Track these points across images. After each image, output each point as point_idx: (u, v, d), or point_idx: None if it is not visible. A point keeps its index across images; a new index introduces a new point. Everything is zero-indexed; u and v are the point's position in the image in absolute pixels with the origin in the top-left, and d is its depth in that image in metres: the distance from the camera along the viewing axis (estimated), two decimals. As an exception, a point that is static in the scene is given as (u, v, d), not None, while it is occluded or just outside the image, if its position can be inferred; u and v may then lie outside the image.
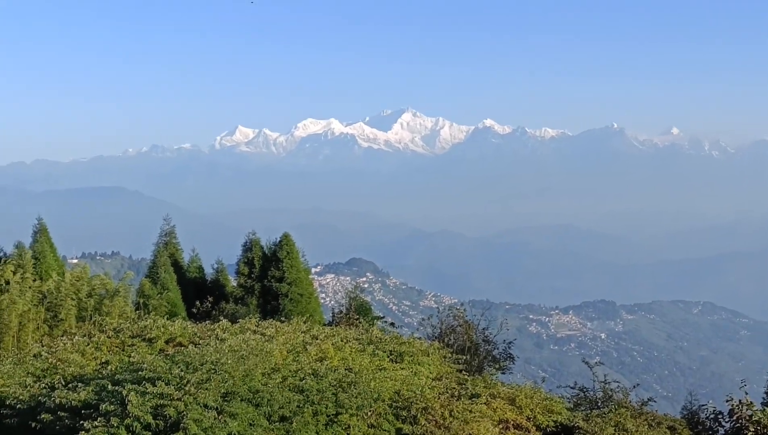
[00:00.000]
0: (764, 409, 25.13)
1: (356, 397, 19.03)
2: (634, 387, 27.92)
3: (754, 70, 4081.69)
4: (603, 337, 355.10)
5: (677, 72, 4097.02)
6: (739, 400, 24.51)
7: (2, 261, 33.15)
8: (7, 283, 30.56)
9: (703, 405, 27.91)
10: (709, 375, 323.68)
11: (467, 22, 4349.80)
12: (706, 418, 27.14)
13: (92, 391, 18.26)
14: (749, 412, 24.32)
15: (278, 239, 43.19)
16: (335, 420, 18.79)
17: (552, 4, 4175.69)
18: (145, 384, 17.81)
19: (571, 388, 27.16)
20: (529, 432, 22.42)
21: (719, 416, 26.35)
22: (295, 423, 18.05)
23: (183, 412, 17.07)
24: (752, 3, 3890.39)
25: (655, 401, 27.56)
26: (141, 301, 36.54)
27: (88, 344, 23.37)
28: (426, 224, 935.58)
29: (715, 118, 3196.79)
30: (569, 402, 26.06)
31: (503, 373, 30.42)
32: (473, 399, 21.78)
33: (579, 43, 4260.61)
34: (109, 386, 18.17)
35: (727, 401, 24.70)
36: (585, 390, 26.87)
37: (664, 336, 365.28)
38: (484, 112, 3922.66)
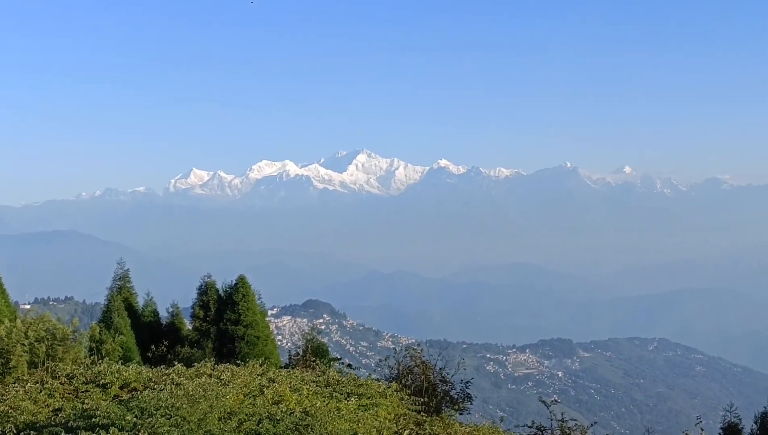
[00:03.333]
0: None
1: (313, 440, 18.90)
2: (592, 425, 27.93)
3: (704, 109, 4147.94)
4: (560, 375, 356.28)
5: (628, 111, 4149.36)
6: (695, 436, 24.64)
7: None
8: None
9: (660, 442, 27.99)
10: (665, 411, 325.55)
11: (421, 63, 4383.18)
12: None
13: (45, 438, 18.00)
14: (706, 448, 24.41)
15: (234, 281, 42.96)
16: (292, 463, 18.62)
17: (505, 43, 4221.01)
18: (98, 431, 17.55)
19: (529, 427, 27.12)
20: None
21: (676, 453, 26.42)
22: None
23: (137, 458, 16.85)
24: (705, 43, 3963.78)
25: (612, 439, 27.61)
26: (94, 346, 36.09)
27: (41, 391, 23.01)
28: (383, 265, 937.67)
29: (666, 156, 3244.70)
30: (527, 441, 26.02)
31: (461, 414, 30.27)
32: (431, 440, 21.71)
33: (530, 82, 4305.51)
34: (63, 434, 17.90)
35: (683, 438, 24.82)
36: (543, 429, 26.85)
37: (620, 373, 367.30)
38: (439, 153, 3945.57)
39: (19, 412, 20.59)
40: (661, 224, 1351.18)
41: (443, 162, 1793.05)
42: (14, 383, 25.53)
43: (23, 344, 30.76)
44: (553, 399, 27.47)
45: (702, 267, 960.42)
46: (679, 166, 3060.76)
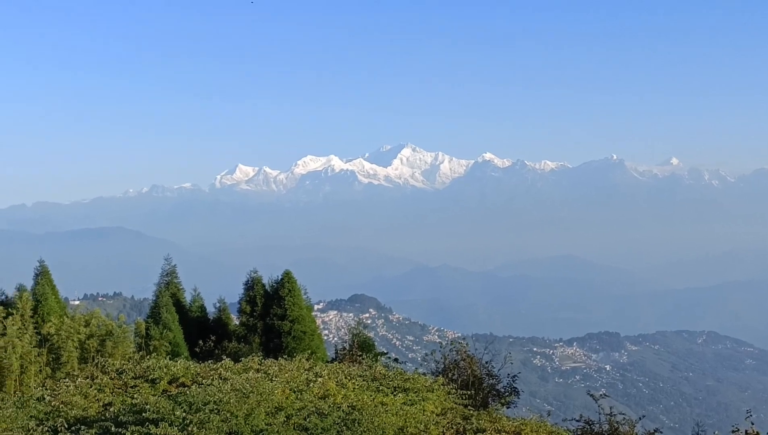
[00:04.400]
0: (771, 439, 24.95)
1: (360, 435, 18.95)
2: (641, 419, 27.71)
3: (753, 100, 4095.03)
4: (608, 368, 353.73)
5: (674, 102, 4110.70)
6: (746, 431, 24.34)
7: (3, 304, 33.12)
8: (5, 326, 30.53)
9: (709, 436, 27.71)
10: (715, 405, 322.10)
11: (466, 57, 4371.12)
12: (713, 448, 26.92)
13: (95, 433, 18.18)
14: (756, 442, 24.11)
15: (280, 277, 43.10)
16: (340, 458, 18.68)
17: (550, 36, 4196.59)
18: (148, 425, 17.73)
19: (577, 420, 26.97)
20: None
21: (726, 447, 26.13)
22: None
23: (187, 453, 16.99)
24: (752, 33, 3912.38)
25: (661, 432, 27.36)
26: (143, 341, 36.44)
27: (91, 386, 23.26)
28: (428, 259, 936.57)
29: (714, 147, 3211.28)
30: (575, 435, 25.90)
31: (508, 407, 30.18)
32: (478, 434, 21.66)
33: (575, 74, 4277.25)
34: (113, 428, 18.09)
35: (733, 432, 24.50)
36: (591, 423, 26.69)
37: (669, 366, 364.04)
38: (484, 146, 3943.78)
39: (70, 407, 20.85)
40: (709, 216, 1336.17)
41: (488, 155, 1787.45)
42: (65, 378, 25.84)
43: (74, 340, 31.18)
44: (601, 393, 27.33)
45: (751, 259, 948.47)
46: (727, 157, 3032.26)
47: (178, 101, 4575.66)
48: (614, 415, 26.38)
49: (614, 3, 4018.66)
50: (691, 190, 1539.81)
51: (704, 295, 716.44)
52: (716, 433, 27.74)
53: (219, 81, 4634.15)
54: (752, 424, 24.48)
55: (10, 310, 32.09)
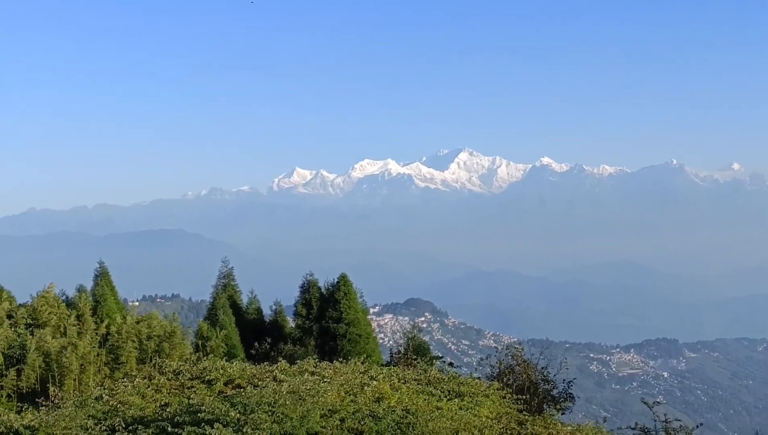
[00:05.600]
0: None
1: (415, 439, 18.93)
2: (698, 426, 27.40)
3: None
4: (666, 375, 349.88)
5: (736, 106, 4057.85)
6: (806, 440, 23.99)
7: (64, 305, 33.62)
8: (66, 326, 30.99)
9: (770, 445, 27.39)
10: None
11: (523, 62, 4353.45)
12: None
13: (152, 433, 18.35)
14: (817, 452, 23.75)
15: (336, 280, 43.24)
16: (394, 461, 18.67)
17: (610, 42, 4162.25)
18: (203, 426, 17.86)
19: (632, 428, 26.75)
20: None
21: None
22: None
23: (241, 454, 17.10)
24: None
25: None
26: (200, 342, 36.75)
27: (149, 386, 23.52)
28: (484, 263, 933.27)
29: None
30: (631, 442, 25.65)
31: (563, 413, 29.99)
32: (533, 439, 21.58)
33: (635, 79, 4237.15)
34: (169, 428, 18.25)
35: (794, 441, 24.16)
36: (647, 430, 26.44)
37: (728, 374, 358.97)
38: (541, 150, 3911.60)
39: (127, 406, 21.09)
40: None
41: (546, 160, 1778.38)
42: (123, 378, 26.17)
43: (133, 341, 31.57)
44: (656, 401, 27.03)
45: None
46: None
47: (237, 106, 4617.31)
48: (670, 422, 26.11)
49: (669, 9, 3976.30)
50: (753, 196, 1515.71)
51: (765, 302, 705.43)
52: (776, 442, 27.38)
53: (277, 87, 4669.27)
54: (813, 433, 24.11)
55: (71, 310, 32.59)
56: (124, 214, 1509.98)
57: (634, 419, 27.91)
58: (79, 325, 30.90)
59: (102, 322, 32.09)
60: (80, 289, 36.16)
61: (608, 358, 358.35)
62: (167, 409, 20.56)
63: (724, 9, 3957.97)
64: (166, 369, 26.31)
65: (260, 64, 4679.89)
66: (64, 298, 35.48)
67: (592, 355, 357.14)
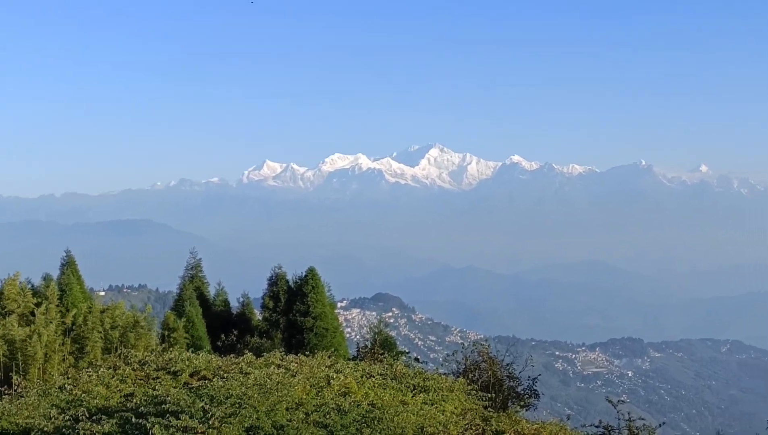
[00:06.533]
0: (793, 450, 24.83)
1: (380, 433, 18.89)
2: (660, 425, 27.66)
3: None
4: (630, 374, 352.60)
5: (705, 109, 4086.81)
6: (768, 440, 24.25)
7: (30, 293, 33.39)
8: (33, 314, 30.79)
9: (731, 445, 27.69)
10: (738, 414, 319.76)
11: (494, 59, 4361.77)
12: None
13: (116, 423, 18.22)
14: (778, 453, 24.02)
15: (304, 273, 43.26)
16: (359, 455, 18.64)
17: (580, 40, 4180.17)
18: (168, 417, 17.75)
19: (596, 426, 26.92)
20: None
21: (747, 456, 26.08)
22: (318, 458, 17.95)
23: (207, 445, 17.02)
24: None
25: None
26: (166, 333, 36.64)
27: (113, 376, 23.36)
28: (453, 260, 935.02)
29: (744, 155, 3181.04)
30: (595, 440, 25.82)
31: (528, 410, 30.16)
32: (498, 436, 21.63)
33: (604, 79, 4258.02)
34: (133, 419, 18.12)
35: (755, 442, 24.43)
36: (610, 428, 26.63)
37: (692, 374, 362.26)
38: (512, 148, 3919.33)
39: (91, 396, 20.94)
40: (737, 225, 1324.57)
41: (516, 158, 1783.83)
42: (88, 368, 26.00)
43: (99, 330, 31.39)
44: (620, 399, 27.21)
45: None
46: (757, 165, 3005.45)
47: (207, 97, 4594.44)
48: (634, 420, 26.30)
49: (643, 7, 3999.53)
50: (719, 198, 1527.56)
51: (731, 304, 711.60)
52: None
53: (247, 77, 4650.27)
54: (774, 434, 24.39)
55: (37, 299, 32.40)
56: (92, 204, 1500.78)
57: (598, 417, 28.08)
58: (45, 313, 30.70)
59: (68, 311, 31.89)
60: (46, 278, 35.94)
61: (574, 356, 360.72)
62: (132, 400, 20.44)
63: (692, 9, 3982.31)
64: (132, 359, 26.14)
65: (231, 54, 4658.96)
66: (30, 286, 35.25)
67: (557, 353, 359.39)
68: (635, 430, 26.09)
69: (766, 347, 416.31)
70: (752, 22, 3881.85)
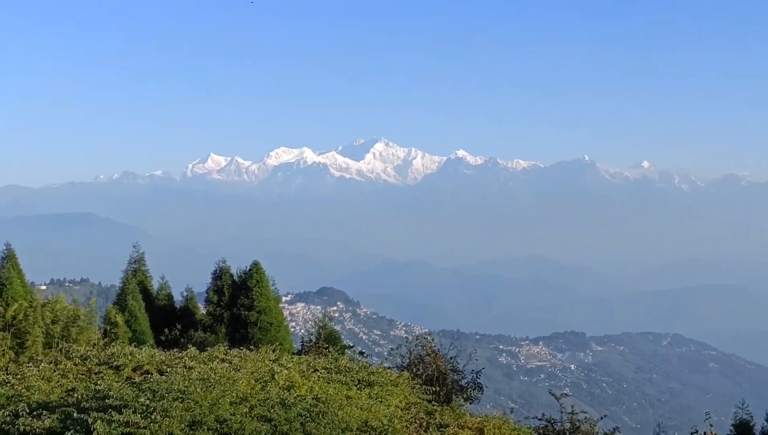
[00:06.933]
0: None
1: (324, 427, 18.88)
2: (602, 418, 27.98)
3: (724, 105, 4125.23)
4: (573, 368, 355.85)
5: (647, 105, 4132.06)
6: (704, 432, 24.67)
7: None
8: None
9: (669, 437, 28.13)
10: (678, 407, 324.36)
11: (441, 54, 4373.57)
12: (672, 450, 27.34)
13: (57, 419, 18.04)
14: (714, 444, 24.44)
15: (248, 267, 43.08)
16: (303, 449, 18.62)
17: (525, 36, 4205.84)
18: (111, 412, 17.62)
19: (539, 419, 27.20)
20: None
21: (685, 448, 26.53)
22: (262, 452, 17.89)
23: (149, 440, 16.92)
24: (722, 40, 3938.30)
25: (620, 432, 27.62)
26: (108, 328, 36.29)
27: (54, 371, 23.13)
28: (398, 254, 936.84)
29: (685, 151, 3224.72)
30: (537, 433, 26.09)
31: (471, 403, 30.32)
32: (442, 429, 21.72)
33: (549, 75, 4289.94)
34: (75, 414, 17.95)
35: (693, 433, 24.87)
36: (553, 421, 26.91)
37: (633, 368, 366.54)
38: (457, 143, 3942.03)
39: (32, 391, 20.72)
40: (679, 220, 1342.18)
41: (461, 152, 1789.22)
42: (28, 363, 25.70)
43: (40, 325, 31.00)
44: (563, 392, 27.54)
45: (718, 264, 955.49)
46: (698, 161, 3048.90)
47: (151, 89, 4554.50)
48: (576, 413, 26.61)
49: (588, 4, 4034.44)
50: (661, 194, 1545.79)
51: (672, 298, 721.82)
52: (676, 434, 28.13)
53: (192, 70, 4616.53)
54: (711, 426, 24.85)
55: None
56: (33, 197, 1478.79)
57: (541, 410, 28.35)
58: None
59: (8, 305, 31.47)
60: (-15, 273, 35.45)
61: (517, 350, 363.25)
62: (73, 395, 20.25)
63: (639, 6, 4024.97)
64: (73, 354, 25.87)
65: (175, 46, 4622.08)
66: (-32, 280, 34.74)
67: (501, 346, 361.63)
68: (577, 423, 26.43)
69: (705, 341, 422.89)
70: (691, 20, 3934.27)
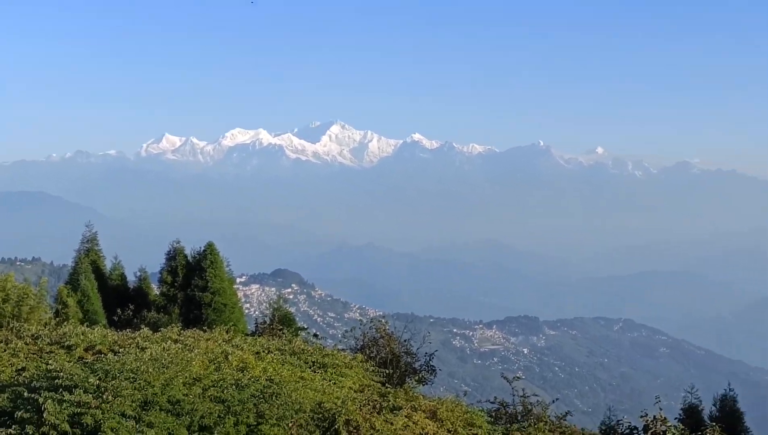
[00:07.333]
0: (677, 425, 25.64)
1: (278, 408, 18.91)
2: (554, 401, 28.25)
3: (679, 93, 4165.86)
4: (526, 352, 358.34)
5: (602, 91, 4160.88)
6: (654, 416, 24.97)
7: None
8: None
9: (620, 420, 28.48)
10: (628, 391, 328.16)
11: (397, 36, 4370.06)
12: (622, 433, 27.67)
13: (7, 398, 17.93)
14: (663, 428, 24.76)
15: (202, 248, 42.92)
16: (256, 430, 18.61)
17: (481, 17, 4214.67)
18: (62, 392, 17.53)
19: (491, 402, 27.40)
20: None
21: (634, 432, 26.86)
22: (215, 433, 17.90)
23: (100, 420, 16.84)
24: (678, 28, 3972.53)
25: (572, 415, 27.89)
26: (60, 307, 36.00)
27: (5, 350, 22.95)
28: (354, 238, 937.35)
29: (639, 139, 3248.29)
30: (490, 416, 26.26)
31: (424, 386, 30.50)
32: (395, 411, 21.79)
33: (505, 60, 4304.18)
34: (25, 393, 17.86)
35: (642, 417, 25.17)
36: (505, 404, 27.12)
37: (585, 352, 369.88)
38: (413, 127, 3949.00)
39: (-19, 371, 20.53)
40: (632, 206, 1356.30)
41: (417, 136, 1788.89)
42: (-23, 342, 25.43)
43: (-11, 304, 30.67)
44: (515, 376, 27.77)
45: (670, 250, 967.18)
46: (652, 148, 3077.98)
47: (105, 66, 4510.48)
48: (528, 397, 26.84)
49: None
50: (614, 180, 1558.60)
51: (625, 283, 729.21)
52: (625, 418, 28.47)
53: (147, 47, 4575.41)
54: (660, 410, 25.17)
55: None
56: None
57: (494, 393, 28.62)
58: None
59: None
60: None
61: (471, 333, 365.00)
62: (24, 374, 20.10)
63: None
64: (24, 333, 25.67)
65: (130, 23, 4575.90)
66: None
67: (455, 330, 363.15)
68: (529, 406, 26.66)
69: (656, 326, 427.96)
70: (643, 6, 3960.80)
